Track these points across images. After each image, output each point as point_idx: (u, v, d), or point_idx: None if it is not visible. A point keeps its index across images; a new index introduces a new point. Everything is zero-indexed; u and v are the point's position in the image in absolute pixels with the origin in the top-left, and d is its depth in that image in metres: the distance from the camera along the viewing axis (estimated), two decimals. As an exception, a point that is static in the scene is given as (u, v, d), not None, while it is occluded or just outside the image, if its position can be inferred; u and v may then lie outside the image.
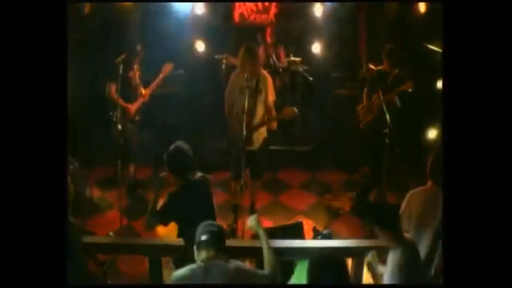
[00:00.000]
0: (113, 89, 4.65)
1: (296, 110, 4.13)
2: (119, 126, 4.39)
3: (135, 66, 4.84)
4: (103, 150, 5.03)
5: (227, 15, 7.08)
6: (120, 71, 4.26)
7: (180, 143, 3.14)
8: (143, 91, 4.92)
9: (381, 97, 4.37)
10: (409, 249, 2.61)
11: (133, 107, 4.84)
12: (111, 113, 4.65)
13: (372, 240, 3.43)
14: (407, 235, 2.82)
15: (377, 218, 2.67)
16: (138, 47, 4.81)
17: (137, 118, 4.93)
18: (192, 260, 2.57)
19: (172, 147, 3.12)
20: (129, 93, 4.78)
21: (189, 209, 3.11)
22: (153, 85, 4.95)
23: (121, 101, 4.64)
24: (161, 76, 4.93)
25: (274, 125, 4.38)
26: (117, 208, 4.48)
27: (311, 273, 2.26)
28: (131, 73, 4.78)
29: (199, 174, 3.26)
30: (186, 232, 3.15)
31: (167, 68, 4.93)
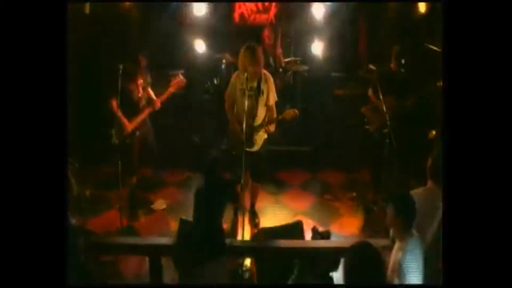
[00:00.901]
0: (114, 103, 4.38)
1: (297, 111, 4.10)
2: (116, 141, 4.31)
3: (138, 76, 4.53)
4: (103, 150, 5.02)
5: (227, 15, 7.08)
6: (119, 84, 4.10)
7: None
8: (153, 96, 4.63)
9: (393, 99, 4.35)
10: (415, 243, 2.64)
11: (131, 125, 4.49)
12: (111, 127, 4.45)
13: (372, 240, 3.42)
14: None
15: (406, 207, 2.68)
16: (140, 57, 4.49)
17: (137, 133, 4.57)
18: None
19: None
20: (131, 106, 4.48)
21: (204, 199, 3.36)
22: (162, 98, 4.60)
23: (122, 118, 4.41)
24: (171, 90, 4.57)
25: (272, 128, 4.29)
26: (117, 208, 4.48)
27: (347, 266, 2.26)
28: (133, 85, 4.49)
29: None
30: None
31: (179, 82, 4.59)
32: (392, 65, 4.65)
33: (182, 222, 4.45)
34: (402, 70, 4.64)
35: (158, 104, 4.59)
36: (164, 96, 4.59)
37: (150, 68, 4.69)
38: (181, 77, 4.61)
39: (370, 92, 4.84)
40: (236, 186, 3.63)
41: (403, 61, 4.59)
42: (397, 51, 4.62)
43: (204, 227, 3.31)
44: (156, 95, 4.68)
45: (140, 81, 4.57)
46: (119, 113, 4.40)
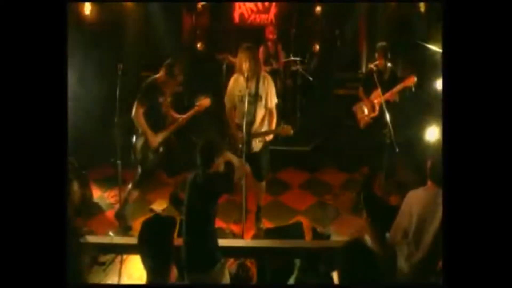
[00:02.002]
0: (140, 112, 4.08)
1: (291, 130, 4.03)
2: (139, 156, 4.16)
3: (168, 91, 4.22)
4: (103, 150, 5.02)
5: (227, 15, 7.09)
6: (118, 86, 3.91)
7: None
8: (175, 115, 4.39)
9: (381, 95, 4.39)
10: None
11: (158, 138, 4.23)
12: (134, 139, 4.22)
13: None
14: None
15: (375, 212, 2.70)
16: (177, 70, 4.11)
17: (161, 149, 4.31)
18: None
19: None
20: (156, 121, 4.23)
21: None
22: (188, 115, 4.36)
23: (147, 129, 4.13)
24: (196, 109, 4.35)
25: (270, 137, 4.29)
26: (119, 201, 4.48)
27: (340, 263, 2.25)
28: (161, 99, 4.18)
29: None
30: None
31: (205, 102, 4.37)
32: (378, 63, 4.72)
33: (183, 223, 4.45)
34: (389, 65, 4.70)
35: (184, 122, 4.37)
36: (190, 114, 4.37)
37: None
38: (207, 98, 4.40)
39: (360, 90, 4.95)
40: (232, 176, 3.39)
41: (388, 57, 4.67)
42: (380, 48, 4.69)
43: (193, 227, 3.03)
44: (178, 112, 4.45)
45: (169, 98, 4.30)
46: (145, 123, 4.11)
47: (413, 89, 4.51)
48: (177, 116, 4.40)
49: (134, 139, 4.21)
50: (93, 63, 5.65)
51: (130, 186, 4.42)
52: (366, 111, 4.82)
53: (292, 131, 4.04)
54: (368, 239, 2.84)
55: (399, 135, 4.27)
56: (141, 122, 4.10)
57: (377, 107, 4.60)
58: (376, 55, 4.74)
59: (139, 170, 4.32)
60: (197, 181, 3.02)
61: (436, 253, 2.90)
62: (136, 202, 4.76)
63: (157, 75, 4.16)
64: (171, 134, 4.37)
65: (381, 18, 6.66)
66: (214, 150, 3.04)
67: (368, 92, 4.80)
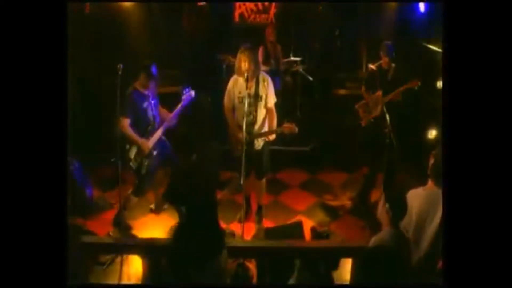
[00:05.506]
0: (126, 123, 4.08)
1: (296, 127, 4.03)
2: (134, 165, 4.17)
3: (151, 93, 4.23)
4: (103, 150, 5.01)
5: (227, 15, 7.09)
6: (119, 86, 3.78)
7: None
8: (165, 114, 4.36)
9: (383, 95, 4.39)
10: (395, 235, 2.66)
11: (149, 144, 4.21)
12: (127, 147, 4.18)
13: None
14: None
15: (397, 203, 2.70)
16: (154, 69, 4.12)
17: (154, 152, 4.30)
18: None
19: None
20: (145, 126, 4.23)
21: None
22: (175, 112, 4.34)
23: (137, 138, 4.14)
24: (182, 104, 4.34)
25: (272, 137, 4.29)
26: (117, 208, 4.48)
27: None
28: (145, 104, 4.18)
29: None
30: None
31: (190, 95, 4.36)
32: (382, 62, 4.73)
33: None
34: (393, 65, 4.71)
35: (174, 120, 4.34)
36: (177, 110, 4.34)
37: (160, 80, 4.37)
38: (191, 91, 4.40)
39: (362, 89, 4.98)
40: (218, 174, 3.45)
41: (393, 56, 4.67)
42: (385, 47, 4.69)
43: (196, 223, 3.07)
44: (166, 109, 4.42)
45: (152, 101, 4.26)
46: (133, 133, 4.12)
47: (416, 88, 4.51)
48: (168, 114, 4.40)
49: (127, 148, 4.19)
50: (94, 62, 5.65)
51: (129, 192, 4.42)
52: (368, 109, 4.82)
53: (296, 129, 4.04)
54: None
55: (399, 135, 4.27)
56: (128, 133, 4.11)
57: (379, 106, 4.59)
58: (381, 53, 4.73)
59: (137, 179, 4.33)
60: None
61: (436, 253, 2.91)
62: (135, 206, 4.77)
63: (137, 82, 4.14)
64: (163, 134, 4.36)
65: (381, 18, 6.66)
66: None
67: (370, 91, 4.80)
